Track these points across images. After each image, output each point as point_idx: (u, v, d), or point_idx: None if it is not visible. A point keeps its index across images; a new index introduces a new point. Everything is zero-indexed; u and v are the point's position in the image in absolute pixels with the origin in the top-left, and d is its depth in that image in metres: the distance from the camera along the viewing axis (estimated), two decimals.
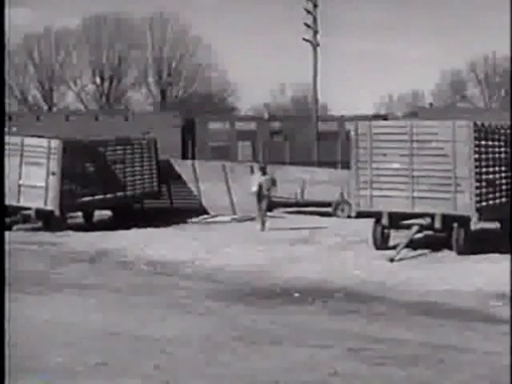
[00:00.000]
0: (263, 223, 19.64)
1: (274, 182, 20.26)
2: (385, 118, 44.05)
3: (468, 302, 10.83)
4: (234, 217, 23.28)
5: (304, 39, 40.33)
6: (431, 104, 59.22)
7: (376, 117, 43.82)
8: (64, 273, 13.21)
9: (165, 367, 7.45)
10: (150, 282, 12.40)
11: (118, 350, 8.12)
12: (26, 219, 20.36)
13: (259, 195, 19.94)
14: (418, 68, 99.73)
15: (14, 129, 40.50)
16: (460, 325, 9.50)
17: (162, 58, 68.31)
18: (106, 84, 69.25)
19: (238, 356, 7.92)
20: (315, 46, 40.48)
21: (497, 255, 14.59)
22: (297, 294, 11.44)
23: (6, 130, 40.45)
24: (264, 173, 20.34)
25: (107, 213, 23.00)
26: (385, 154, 15.70)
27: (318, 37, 40.56)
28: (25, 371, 7.26)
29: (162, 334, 8.78)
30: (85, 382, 6.99)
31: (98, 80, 69.24)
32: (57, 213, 19.89)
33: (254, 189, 19.91)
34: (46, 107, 68.12)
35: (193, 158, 41.00)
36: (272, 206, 26.92)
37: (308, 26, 40.47)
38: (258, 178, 20.08)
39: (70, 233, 19.18)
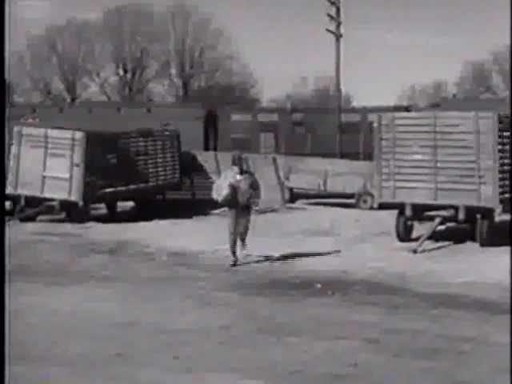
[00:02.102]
0: (234, 253, 13.13)
1: (255, 186, 13.34)
2: (407, 109, 43.79)
3: (489, 295, 10.76)
4: (256, 208, 23.26)
5: (327, 30, 40.22)
6: (454, 95, 58.85)
7: (398, 108, 43.59)
8: (85, 264, 13.29)
9: (185, 358, 7.50)
10: (171, 273, 12.44)
11: (138, 340, 8.17)
12: (49, 210, 20.52)
13: (232, 205, 13.12)
14: (441, 59, 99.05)
15: (37, 120, 40.78)
16: (480, 317, 9.45)
17: (184, 50, 68.39)
18: (129, 76, 69.49)
19: (257, 348, 7.94)
20: (338, 37, 40.34)
21: None
22: (319, 285, 11.44)
23: (31, 120, 40.84)
24: (242, 170, 13.33)
25: (130, 204, 23.11)
26: (409, 146, 15.62)
27: (341, 28, 40.45)
28: (45, 360, 7.32)
29: (182, 325, 8.83)
30: (106, 371, 7.02)
31: (120, 72, 69.53)
32: (80, 204, 20.01)
33: (223, 194, 13.03)
34: (69, 99, 68.47)
35: (215, 149, 41.07)
36: (294, 198, 27.00)
37: (331, 16, 40.35)
38: (230, 178, 13.16)
39: (93, 224, 19.29)
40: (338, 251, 14.61)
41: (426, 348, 7.97)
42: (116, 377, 6.89)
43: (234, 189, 12.97)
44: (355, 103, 61.97)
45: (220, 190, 13.15)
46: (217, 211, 22.73)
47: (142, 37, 67.49)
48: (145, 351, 7.74)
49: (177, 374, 7.02)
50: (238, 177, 13.16)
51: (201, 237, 16.03)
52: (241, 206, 13.05)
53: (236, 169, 13.24)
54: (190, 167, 24.56)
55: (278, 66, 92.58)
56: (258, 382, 6.81)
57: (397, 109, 39.49)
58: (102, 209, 22.36)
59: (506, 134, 15.46)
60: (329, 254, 14.32)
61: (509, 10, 42.71)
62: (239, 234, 13.14)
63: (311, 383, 6.89)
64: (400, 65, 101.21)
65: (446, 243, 15.36)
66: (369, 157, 25.19)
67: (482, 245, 14.92)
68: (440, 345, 8.10)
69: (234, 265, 12.93)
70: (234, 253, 13.14)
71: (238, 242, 13.17)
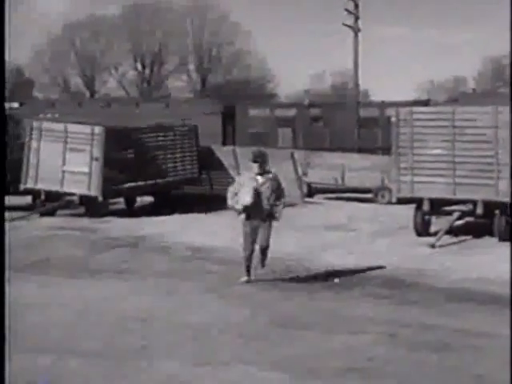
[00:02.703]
0: (249, 270, 11.22)
1: (279, 191, 11.30)
2: (426, 103, 43.64)
3: (506, 289, 10.76)
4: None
5: (344, 25, 40.18)
6: (474, 89, 58.59)
7: (417, 102, 43.44)
8: (105, 258, 13.41)
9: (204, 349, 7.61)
10: (190, 267, 12.53)
11: (158, 332, 8.27)
12: (68, 205, 20.67)
13: (254, 214, 11.02)
14: (460, 54, 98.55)
15: (57, 115, 41.04)
16: (496, 311, 9.48)
17: (202, 45, 68.49)
18: (147, 71, 69.71)
19: (273, 341, 8.02)
20: (356, 31, 40.28)
21: None
22: (336, 280, 11.48)
23: (50, 115, 41.13)
24: (263, 169, 11.19)
25: (149, 199, 23.23)
26: (427, 140, 15.61)
27: (359, 22, 40.40)
28: (67, 352, 7.43)
29: (201, 318, 8.94)
30: (126, 363, 7.12)
31: (139, 67, 69.77)
32: (100, 199, 20.14)
33: (246, 201, 10.94)
34: (87, 94, 68.78)
35: (233, 144, 41.15)
36: (312, 192, 27.03)
37: (349, 11, 40.30)
38: (251, 181, 11.08)
39: (111, 218, 19.40)
40: (356, 246, 14.64)
41: (440, 341, 8.02)
42: (138, 368, 6.99)
43: (257, 195, 10.85)
44: (373, 98, 61.80)
45: (238, 196, 10.94)
46: None
47: (160, 32, 67.68)
48: (166, 343, 7.83)
49: (196, 366, 7.10)
50: (260, 179, 11.00)
51: (219, 231, 16.10)
52: (261, 212, 10.92)
53: (256, 167, 10.97)
54: (208, 162, 24.65)
55: (295, 61, 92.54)
56: (275, 373, 6.89)
57: (416, 103, 39.35)
58: (120, 203, 22.49)
59: None
60: (345, 248, 14.34)
61: None
62: (260, 247, 11.08)
63: (327, 376, 6.94)
64: (419, 60, 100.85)
65: (465, 238, 15.34)
66: (387, 151, 25.16)
67: (501, 239, 14.89)
68: (454, 338, 8.14)
69: (248, 282, 11.05)
70: (248, 270, 11.11)
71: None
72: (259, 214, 10.97)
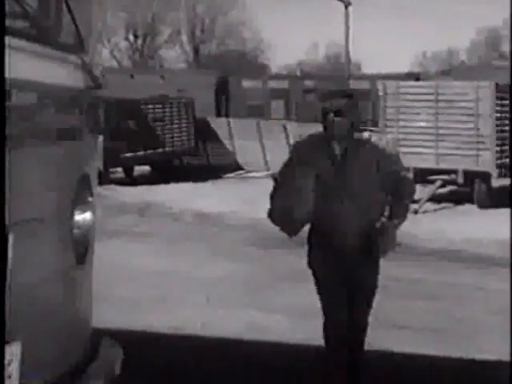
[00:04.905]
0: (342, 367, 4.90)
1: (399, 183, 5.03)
2: (417, 77, 44.41)
3: (487, 250, 11.88)
4: (268, 173, 24.25)
5: None
6: (463, 61, 59.29)
7: (409, 75, 44.14)
8: (117, 223, 14.35)
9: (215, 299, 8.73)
10: (197, 231, 13.58)
11: (174, 286, 9.35)
12: None
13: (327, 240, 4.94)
14: (454, 24, 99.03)
15: None
16: (479, 269, 10.68)
17: (196, 16, 68.84)
18: (140, 41, 70.04)
19: (277, 291, 9.09)
20: (347, 4, 40.98)
21: None
22: None
23: None
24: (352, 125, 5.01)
25: (146, 168, 24.12)
26: (413, 114, 16.57)
27: None
28: (103, 300, 8.45)
29: (213, 274, 10.04)
30: (146, 311, 8.15)
31: (131, 37, 70.07)
32: (101, 168, 20.98)
33: (301, 211, 4.90)
34: None
35: (226, 115, 41.94)
36: None
37: None
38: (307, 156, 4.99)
39: (113, 187, 20.28)
40: None
41: (427, 292, 9.14)
42: (157, 313, 8.03)
43: (328, 193, 4.90)
44: (366, 70, 62.52)
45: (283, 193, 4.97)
46: (231, 175, 23.77)
47: (153, 2, 67.94)
48: (181, 293, 8.95)
49: (210, 310, 8.23)
50: (337, 148, 5.00)
51: (219, 198, 17.06)
52: (352, 241, 4.95)
53: (333, 116, 5.01)
54: (204, 133, 25.52)
55: (290, 32, 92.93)
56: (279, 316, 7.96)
57: (408, 76, 40.03)
58: (117, 173, 23.33)
59: (505, 102, 16.41)
60: None
61: None
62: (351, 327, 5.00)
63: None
64: (413, 31, 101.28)
65: (447, 205, 16.40)
66: (376, 124, 26.03)
67: (480, 206, 15.96)
68: (441, 289, 9.30)
69: None
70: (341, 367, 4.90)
71: None
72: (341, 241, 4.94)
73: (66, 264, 3.24)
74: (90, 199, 3.57)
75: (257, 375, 6.08)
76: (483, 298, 8.97)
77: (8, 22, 2.54)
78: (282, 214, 4.94)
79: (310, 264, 5.10)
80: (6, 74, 2.39)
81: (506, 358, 6.23)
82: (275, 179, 5.13)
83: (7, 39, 2.43)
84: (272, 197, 5.05)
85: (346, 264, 4.93)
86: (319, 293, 5.04)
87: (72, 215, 3.28)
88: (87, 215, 3.47)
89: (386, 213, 5.11)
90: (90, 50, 3.29)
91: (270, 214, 5.05)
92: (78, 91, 3.24)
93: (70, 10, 3.19)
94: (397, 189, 5.10)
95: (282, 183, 4.98)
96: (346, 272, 4.95)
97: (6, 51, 2.39)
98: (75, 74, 3.17)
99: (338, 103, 5.03)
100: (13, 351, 2.56)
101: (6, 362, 2.49)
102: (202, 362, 6.35)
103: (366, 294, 5.12)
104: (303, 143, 5.28)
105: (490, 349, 6.88)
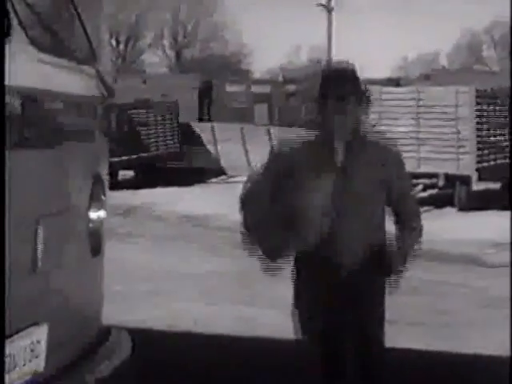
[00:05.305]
0: None
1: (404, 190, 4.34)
2: (397, 82, 44.85)
3: (467, 250, 12.28)
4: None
5: (318, 4, 41.33)
6: (443, 67, 59.86)
7: (390, 80, 44.52)
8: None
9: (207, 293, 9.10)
10: (183, 232, 13.86)
11: (166, 281, 9.64)
12: None
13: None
14: (436, 29, 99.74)
15: None
16: (459, 267, 11.13)
17: (179, 20, 69.03)
18: (122, 46, 70.12)
19: (265, 285, 9.43)
20: (329, 10, 41.47)
21: (494, 211, 15.94)
22: None
23: None
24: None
25: (130, 173, 24.30)
26: (395, 118, 16.95)
27: (332, 1, 41.57)
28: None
29: (202, 270, 10.38)
30: (141, 304, 8.43)
31: (113, 42, 70.09)
32: None
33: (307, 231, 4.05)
34: None
35: (209, 120, 42.16)
36: None
37: None
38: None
39: None
40: None
41: (411, 288, 9.51)
42: (151, 307, 8.33)
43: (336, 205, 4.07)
44: None
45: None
46: (215, 179, 24.01)
47: (136, 7, 68.02)
48: (173, 288, 9.25)
49: (202, 305, 8.57)
50: (341, 155, 4.12)
51: (204, 202, 17.33)
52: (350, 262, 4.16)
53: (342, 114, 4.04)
54: (188, 137, 25.75)
55: (273, 36, 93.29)
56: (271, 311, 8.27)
57: (389, 81, 40.38)
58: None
59: (485, 107, 16.83)
60: None
61: None
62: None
63: None
64: (397, 34, 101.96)
65: (428, 208, 16.76)
66: None
67: (461, 209, 16.36)
68: (424, 286, 9.68)
69: None
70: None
71: None
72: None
73: (84, 254, 3.51)
74: (103, 197, 3.84)
75: (249, 371, 6.31)
76: (465, 294, 9.45)
77: (31, 34, 2.81)
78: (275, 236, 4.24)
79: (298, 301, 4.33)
80: (39, 85, 2.66)
81: (484, 350, 6.60)
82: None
83: (38, 54, 2.70)
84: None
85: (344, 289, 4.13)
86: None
87: (88, 210, 3.55)
88: (101, 213, 3.73)
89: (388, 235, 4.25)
90: (101, 59, 3.59)
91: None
92: (93, 98, 3.53)
93: (82, 23, 3.46)
94: (404, 209, 4.25)
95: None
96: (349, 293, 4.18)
97: (38, 65, 2.67)
98: (90, 83, 3.46)
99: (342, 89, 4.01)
100: (41, 332, 2.81)
101: (35, 340, 2.75)
102: (195, 358, 6.58)
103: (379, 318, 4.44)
104: (299, 150, 4.23)
105: (468, 336, 7.44)
